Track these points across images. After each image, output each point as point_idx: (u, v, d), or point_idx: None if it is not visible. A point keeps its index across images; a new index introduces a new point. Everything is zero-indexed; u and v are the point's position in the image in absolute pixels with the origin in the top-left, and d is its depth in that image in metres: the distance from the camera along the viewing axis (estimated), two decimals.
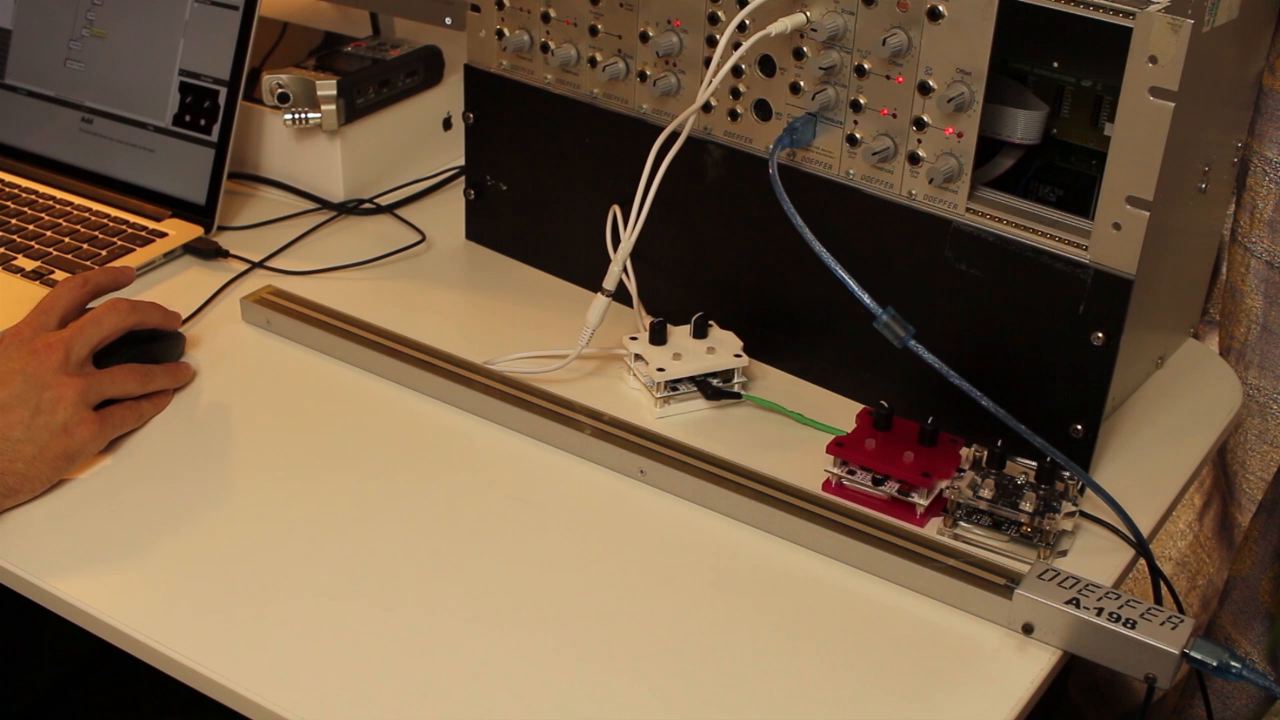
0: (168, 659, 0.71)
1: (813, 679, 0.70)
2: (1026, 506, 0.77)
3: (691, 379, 0.90)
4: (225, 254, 1.07)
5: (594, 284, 0.90)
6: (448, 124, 1.22)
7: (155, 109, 1.12)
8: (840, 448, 0.82)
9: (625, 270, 0.90)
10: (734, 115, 0.90)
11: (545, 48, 0.98)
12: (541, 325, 0.99)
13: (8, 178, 1.15)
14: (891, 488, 0.80)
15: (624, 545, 0.80)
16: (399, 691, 0.69)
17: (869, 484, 0.81)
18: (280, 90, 1.10)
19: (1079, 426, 0.82)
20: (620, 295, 0.90)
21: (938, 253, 0.84)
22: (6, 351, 0.84)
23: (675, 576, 0.77)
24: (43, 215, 1.09)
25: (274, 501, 0.82)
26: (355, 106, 1.12)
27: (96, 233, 1.07)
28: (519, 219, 1.06)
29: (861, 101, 0.84)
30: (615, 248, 0.89)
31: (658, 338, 0.90)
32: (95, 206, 1.11)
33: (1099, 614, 0.69)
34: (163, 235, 1.07)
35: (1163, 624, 0.69)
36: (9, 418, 0.80)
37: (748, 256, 0.93)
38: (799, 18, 0.83)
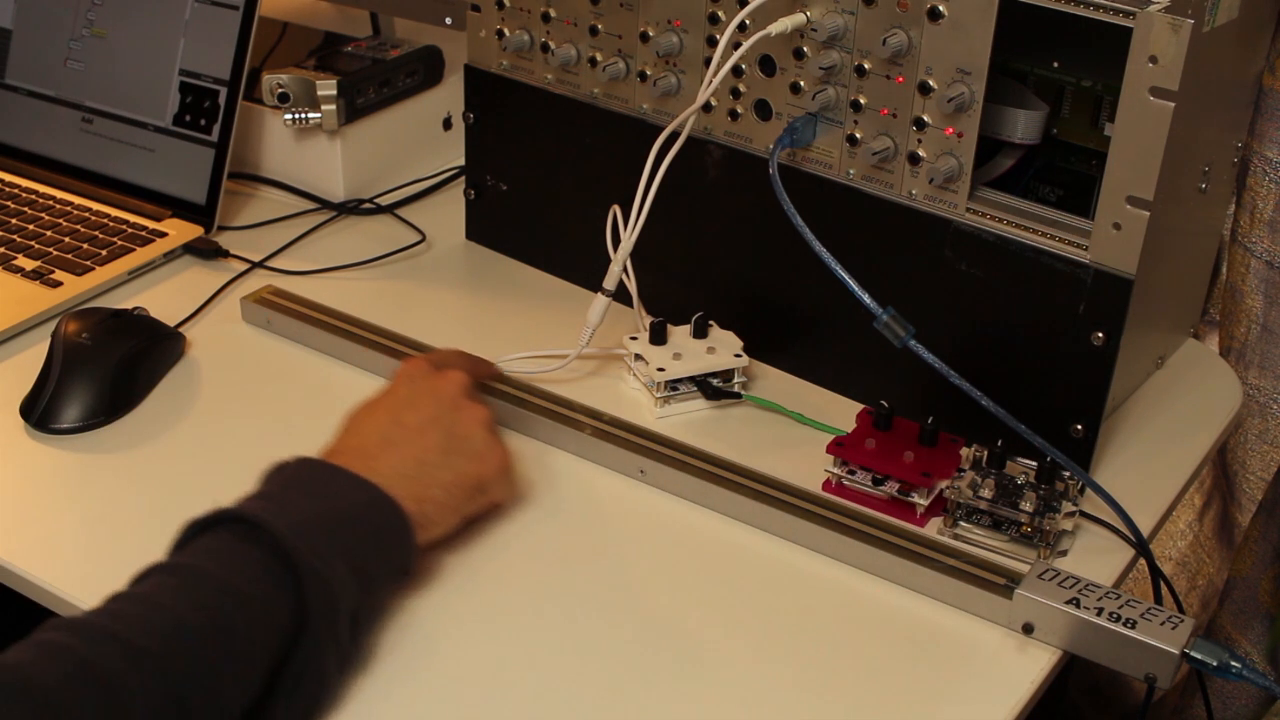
0: None
1: (813, 679, 0.70)
2: (1026, 506, 0.77)
3: (691, 379, 0.90)
4: (225, 254, 1.07)
5: (594, 284, 0.90)
6: (448, 124, 1.22)
7: (155, 109, 1.12)
8: (840, 448, 0.82)
9: (625, 270, 0.90)
10: (734, 115, 0.90)
11: (545, 48, 0.98)
12: (541, 325, 0.99)
13: (8, 178, 1.15)
14: (891, 488, 0.80)
15: (624, 545, 0.80)
16: (400, 690, 0.69)
17: (869, 484, 0.81)
18: (280, 90, 1.10)
19: (1079, 426, 0.82)
20: (620, 295, 0.90)
21: (938, 253, 0.84)
22: (411, 376, 0.79)
23: (675, 576, 0.77)
24: (43, 215, 1.09)
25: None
26: (355, 106, 1.12)
27: (96, 233, 1.07)
28: (519, 219, 1.06)
29: (861, 101, 0.84)
30: (615, 248, 0.89)
31: (658, 338, 0.90)
32: (95, 206, 1.11)
33: (1099, 614, 0.70)
34: (163, 235, 1.07)
35: (1163, 624, 0.69)
36: (424, 441, 0.75)
37: (748, 256, 0.93)
38: (799, 18, 0.83)
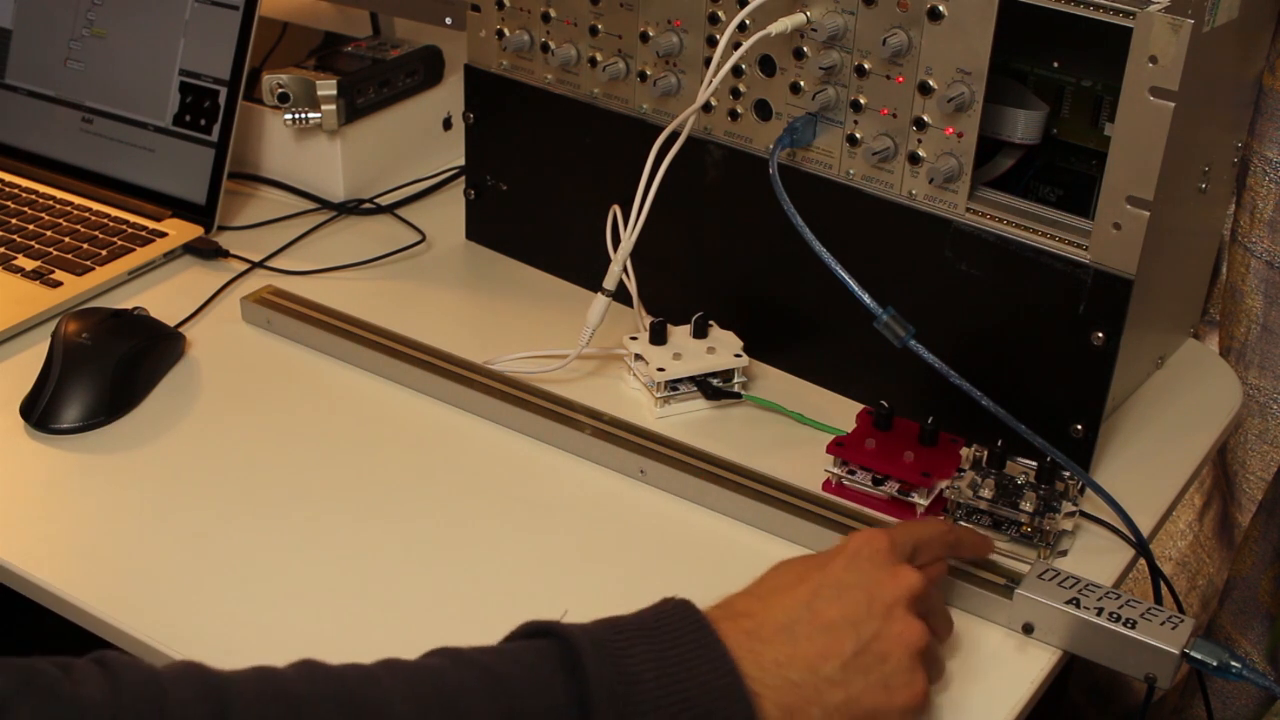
0: (167, 659, 0.71)
1: None
2: (1026, 506, 0.77)
3: (691, 379, 0.90)
4: (225, 254, 1.07)
5: (594, 284, 0.90)
6: (448, 124, 1.22)
7: (155, 109, 1.12)
8: (840, 448, 0.82)
9: (625, 270, 0.90)
10: (734, 115, 0.90)
11: (545, 48, 0.98)
12: (541, 325, 0.99)
13: (8, 178, 1.15)
14: (891, 488, 0.80)
15: (624, 545, 0.80)
16: None
17: (869, 484, 0.81)
18: (280, 90, 1.10)
19: (1079, 426, 0.82)
20: (620, 295, 0.90)
21: (938, 253, 0.84)
22: (856, 556, 0.65)
23: (675, 576, 0.77)
24: (43, 215, 1.09)
25: (274, 501, 0.82)
26: (355, 106, 1.12)
27: (96, 233, 1.07)
28: (519, 219, 1.06)
29: (862, 101, 0.84)
30: (615, 248, 0.89)
31: (658, 338, 0.90)
32: (95, 206, 1.11)
33: (1099, 614, 0.70)
34: (163, 235, 1.07)
35: (1163, 624, 0.69)
36: (830, 644, 0.61)
37: (748, 256, 0.93)
38: (799, 18, 0.83)
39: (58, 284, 1.00)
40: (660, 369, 0.88)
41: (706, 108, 0.91)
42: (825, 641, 0.61)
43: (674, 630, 0.60)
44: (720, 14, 0.88)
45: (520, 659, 0.58)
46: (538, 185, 1.04)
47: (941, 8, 0.78)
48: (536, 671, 0.57)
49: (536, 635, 0.60)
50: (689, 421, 0.89)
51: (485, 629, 0.73)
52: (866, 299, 0.76)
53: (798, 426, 0.89)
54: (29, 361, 0.92)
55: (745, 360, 0.90)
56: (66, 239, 1.06)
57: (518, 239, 1.07)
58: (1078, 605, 0.70)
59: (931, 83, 0.80)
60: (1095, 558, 0.78)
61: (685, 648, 0.59)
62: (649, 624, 0.60)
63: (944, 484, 0.80)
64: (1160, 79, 0.72)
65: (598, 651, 0.57)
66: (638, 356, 0.91)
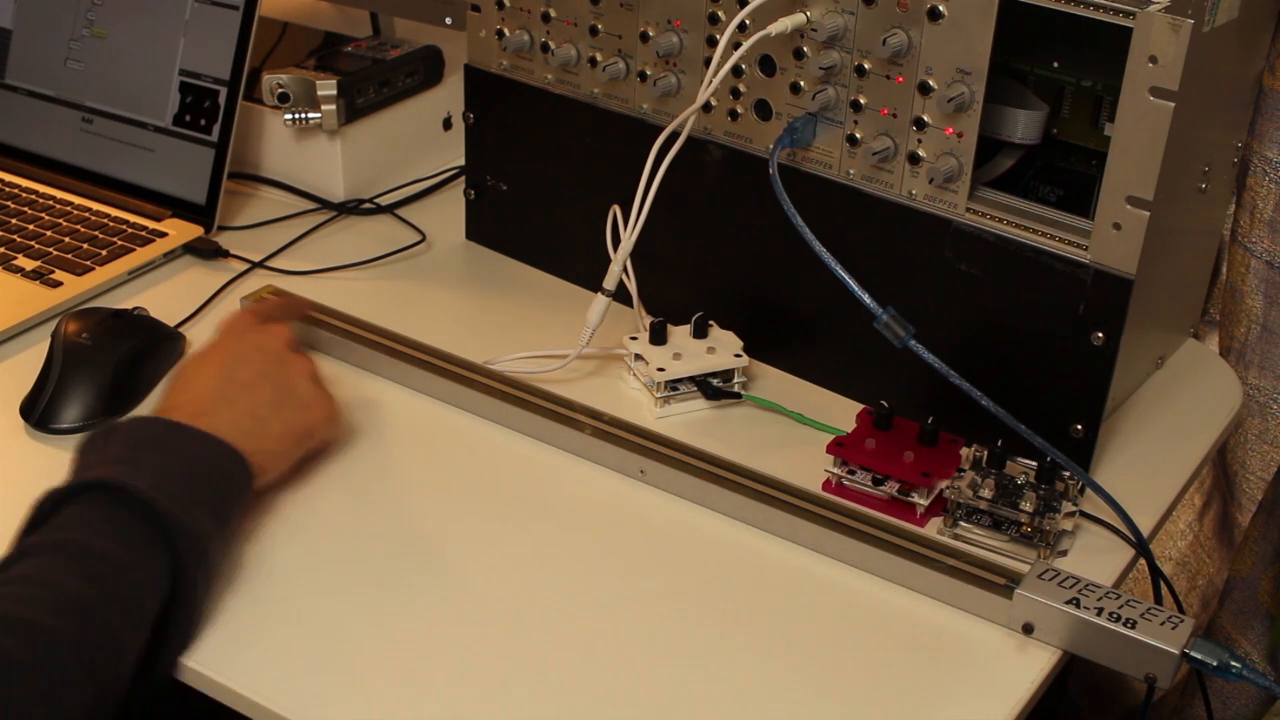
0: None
1: (812, 679, 0.70)
2: (1026, 506, 0.77)
3: (691, 379, 0.90)
4: (225, 254, 1.07)
5: (594, 284, 0.90)
6: (448, 124, 1.22)
7: (155, 109, 1.12)
8: (840, 448, 0.82)
9: (625, 270, 0.90)
10: (734, 115, 0.90)
11: (545, 48, 0.98)
12: (541, 325, 0.99)
13: (8, 178, 1.15)
14: (891, 488, 0.80)
15: (624, 545, 0.80)
16: (398, 690, 0.69)
17: (869, 484, 0.81)
18: (280, 90, 1.10)
19: (1079, 426, 0.82)
20: (620, 295, 0.90)
21: (938, 253, 0.84)
22: (238, 332, 0.83)
23: (675, 576, 0.77)
24: (43, 215, 1.09)
25: (273, 502, 0.81)
26: (355, 106, 1.12)
27: (96, 233, 1.07)
28: (519, 219, 1.06)
29: (861, 101, 0.84)
30: (615, 248, 0.89)
31: (658, 338, 0.90)
32: (95, 206, 1.11)
33: (1099, 614, 0.70)
34: (163, 235, 1.07)
35: (1163, 624, 0.69)
36: (257, 396, 0.79)
37: (748, 256, 0.93)
38: (799, 18, 0.83)
39: (58, 284, 1.00)
40: (660, 369, 0.88)
41: (706, 108, 0.91)
42: (252, 395, 0.78)
43: (153, 438, 0.73)
44: (720, 14, 0.88)
45: (83, 520, 0.68)
46: (538, 185, 1.04)
47: (941, 8, 0.78)
48: (104, 521, 0.67)
49: (66, 500, 0.69)
50: (689, 421, 0.89)
51: (483, 629, 0.73)
52: (866, 299, 0.76)
53: (798, 426, 0.89)
54: (29, 361, 0.92)
55: (745, 360, 0.90)
56: (66, 239, 1.06)
57: (518, 239, 1.07)
58: (1078, 605, 0.70)
59: (931, 83, 0.80)
60: (1095, 558, 0.78)
61: (171, 441, 0.73)
62: (133, 442, 0.72)
63: (944, 484, 0.80)
64: (1160, 79, 0.72)
65: (129, 480, 0.68)
66: (638, 356, 0.91)
